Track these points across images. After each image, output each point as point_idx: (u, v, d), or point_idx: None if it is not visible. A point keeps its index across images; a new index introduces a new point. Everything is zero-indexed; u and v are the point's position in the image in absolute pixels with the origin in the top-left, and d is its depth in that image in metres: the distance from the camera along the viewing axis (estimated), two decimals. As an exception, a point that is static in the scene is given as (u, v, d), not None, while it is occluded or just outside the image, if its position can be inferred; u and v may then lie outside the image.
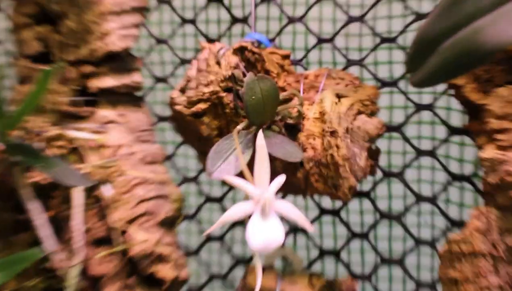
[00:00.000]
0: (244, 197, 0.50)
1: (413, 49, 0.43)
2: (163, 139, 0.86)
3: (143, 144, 0.69)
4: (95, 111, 0.68)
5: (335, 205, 0.76)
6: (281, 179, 0.48)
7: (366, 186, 0.74)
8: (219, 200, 0.82)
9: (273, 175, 0.49)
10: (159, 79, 0.84)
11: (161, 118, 0.84)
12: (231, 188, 0.77)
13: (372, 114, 0.60)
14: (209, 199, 0.82)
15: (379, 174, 0.72)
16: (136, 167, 0.67)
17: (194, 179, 0.83)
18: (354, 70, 0.73)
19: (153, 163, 0.69)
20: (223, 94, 0.58)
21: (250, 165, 0.52)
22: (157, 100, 0.86)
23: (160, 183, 0.67)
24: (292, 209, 0.48)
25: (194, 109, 0.59)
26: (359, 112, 0.59)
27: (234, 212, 0.47)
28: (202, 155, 0.64)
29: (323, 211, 0.77)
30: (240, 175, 0.51)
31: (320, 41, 0.75)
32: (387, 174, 0.73)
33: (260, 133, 0.48)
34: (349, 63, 0.74)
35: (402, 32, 0.72)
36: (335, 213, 0.76)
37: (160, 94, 0.85)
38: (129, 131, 0.68)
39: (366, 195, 0.75)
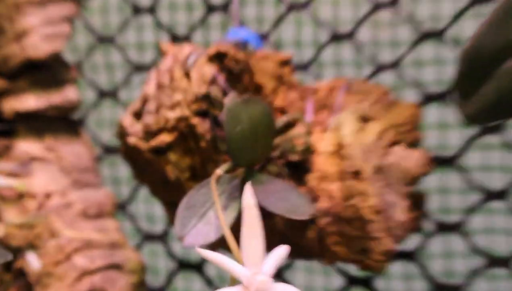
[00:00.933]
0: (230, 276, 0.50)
1: (463, 68, 0.43)
2: (115, 178, 0.87)
3: (83, 190, 0.70)
4: (12, 144, 0.69)
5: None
6: (281, 252, 0.48)
7: (412, 243, 0.74)
8: (198, 266, 0.83)
9: (272, 236, 0.50)
10: (105, 93, 0.85)
11: (110, 149, 0.85)
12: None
13: (413, 144, 0.61)
14: (183, 265, 0.83)
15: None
16: (75, 223, 0.68)
17: (161, 237, 0.84)
18: (386, 77, 0.75)
19: (100, 216, 0.70)
20: (195, 121, 0.59)
21: (238, 225, 0.51)
22: (104, 122, 0.87)
23: (111, 246, 0.68)
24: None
25: (154, 143, 0.60)
26: (394, 143, 0.59)
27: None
28: (170, 207, 0.65)
29: (350, 280, 0.77)
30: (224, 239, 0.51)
31: (336, 37, 0.76)
32: (442, 226, 0.74)
33: (248, 187, 0.48)
34: (379, 67, 0.75)
35: (454, 21, 0.72)
36: (366, 282, 0.76)
37: (107, 112, 0.87)
38: (63, 172, 0.70)
39: (410, 255, 0.75)
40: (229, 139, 0.53)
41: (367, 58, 0.76)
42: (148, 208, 0.88)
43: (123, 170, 0.87)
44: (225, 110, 0.53)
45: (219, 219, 0.52)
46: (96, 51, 0.87)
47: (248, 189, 0.48)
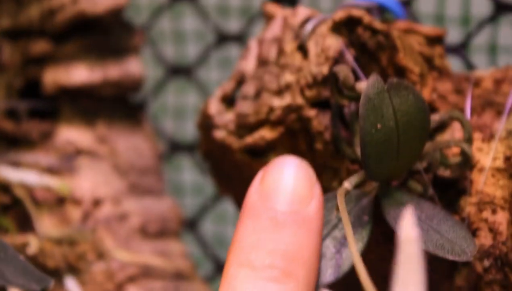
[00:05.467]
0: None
1: None
2: (180, 186, 0.85)
3: (143, 199, 0.73)
4: (53, 130, 0.72)
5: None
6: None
7: None
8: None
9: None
10: (175, 69, 0.85)
11: (177, 146, 0.85)
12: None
13: None
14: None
15: None
16: (130, 243, 0.70)
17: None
18: None
19: (162, 235, 0.73)
20: (311, 113, 0.59)
21: (368, 261, 0.51)
22: (169, 108, 0.86)
23: (176, 276, 0.71)
24: None
25: (251, 140, 0.61)
26: None
27: None
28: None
29: None
30: (349, 283, 0.52)
31: (502, 7, 0.75)
32: None
33: (409, 212, 0.46)
34: None
35: None
36: None
37: (171, 96, 0.85)
38: (118, 172, 0.72)
39: None
40: (364, 142, 0.53)
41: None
42: (220, 230, 0.88)
43: (187, 175, 0.87)
44: (364, 98, 0.52)
45: (350, 249, 0.51)
46: (164, 13, 0.87)
47: (409, 214, 0.47)
